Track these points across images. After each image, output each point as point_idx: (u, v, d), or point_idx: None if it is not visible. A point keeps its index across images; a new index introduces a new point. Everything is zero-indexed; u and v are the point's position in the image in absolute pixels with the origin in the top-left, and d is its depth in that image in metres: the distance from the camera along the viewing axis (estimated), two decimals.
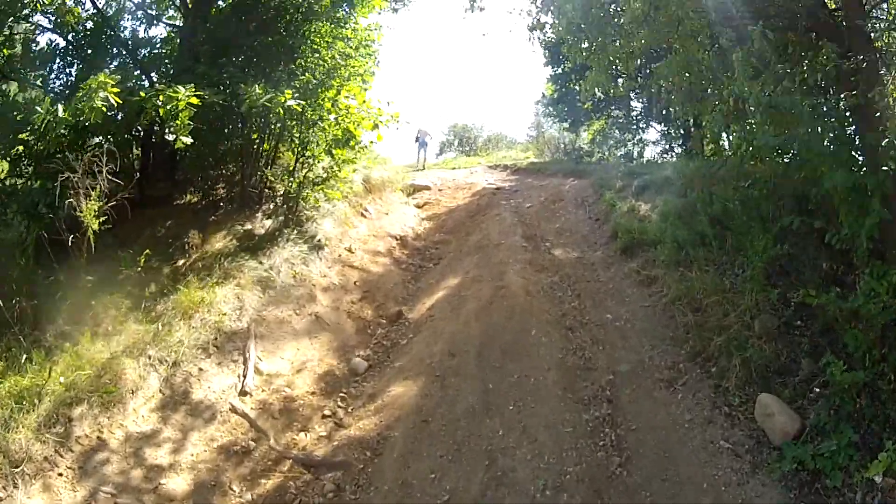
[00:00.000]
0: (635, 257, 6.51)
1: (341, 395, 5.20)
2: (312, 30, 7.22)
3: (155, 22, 8.78)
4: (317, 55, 7.29)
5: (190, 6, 8.07)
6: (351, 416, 4.82)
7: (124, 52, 8.09)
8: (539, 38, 15.40)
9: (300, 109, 6.26)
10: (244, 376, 5.20)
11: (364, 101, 7.17)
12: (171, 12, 8.99)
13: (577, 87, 15.99)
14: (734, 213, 6.12)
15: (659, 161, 14.69)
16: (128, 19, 8.46)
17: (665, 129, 16.00)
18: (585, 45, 6.24)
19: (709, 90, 6.00)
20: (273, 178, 7.40)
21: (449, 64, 59.28)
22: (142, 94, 5.70)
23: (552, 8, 6.70)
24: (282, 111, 5.94)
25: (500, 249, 7.28)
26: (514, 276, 6.27)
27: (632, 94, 16.29)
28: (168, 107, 5.52)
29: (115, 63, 7.93)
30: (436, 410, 4.51)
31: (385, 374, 5.32)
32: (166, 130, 5.71)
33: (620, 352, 4.95)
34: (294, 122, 7.05)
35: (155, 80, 7.55)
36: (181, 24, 8.51)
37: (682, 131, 14.99)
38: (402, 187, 11.21)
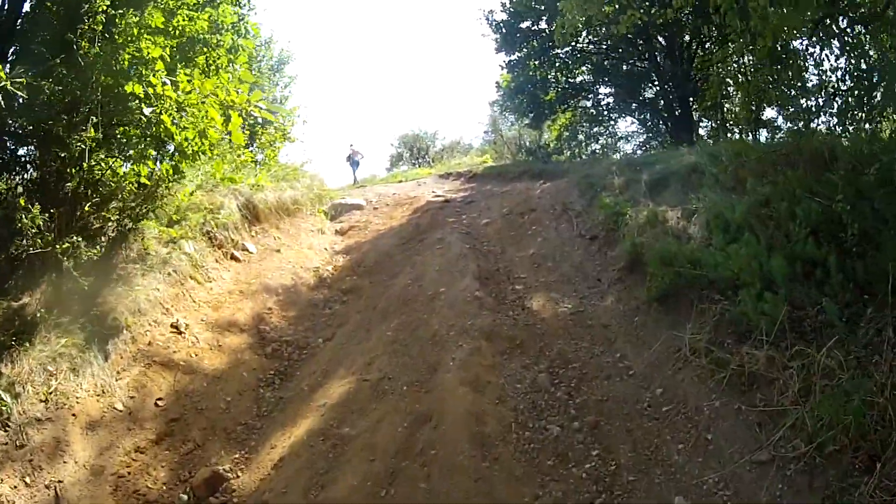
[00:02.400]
0: (687, 317, 3.51)
1: None
2: None
3: None
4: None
5: None
6: None
7: None
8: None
9: (21, 91, 3.03)
10: None
11: (192, 81, 4.29)
12: None
13: (538, 74, 13.62)
14: (853, 216, 3.29)
15: (640, 152, 12.13)
16: None
17: (642, 116, 13.49)
18: None
19: None
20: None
21: (399, 72, 56.77)
22: None
23: None
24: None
25: (436, 306, 4.23)
26: (455, 381, 3.18)
27: (600, 81, 13.87)
28: None
29: None
30: None
31: None
32: None
33: None
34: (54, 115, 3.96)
35: None
36: None
37: (664, 115, 12.53)
38: (323, 209, 8.49)
